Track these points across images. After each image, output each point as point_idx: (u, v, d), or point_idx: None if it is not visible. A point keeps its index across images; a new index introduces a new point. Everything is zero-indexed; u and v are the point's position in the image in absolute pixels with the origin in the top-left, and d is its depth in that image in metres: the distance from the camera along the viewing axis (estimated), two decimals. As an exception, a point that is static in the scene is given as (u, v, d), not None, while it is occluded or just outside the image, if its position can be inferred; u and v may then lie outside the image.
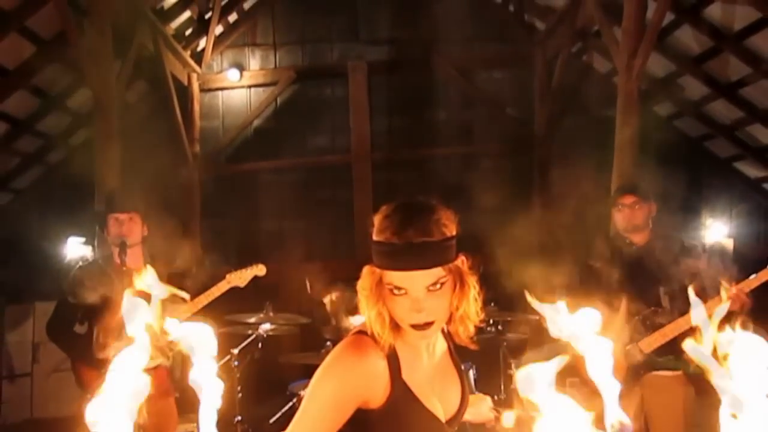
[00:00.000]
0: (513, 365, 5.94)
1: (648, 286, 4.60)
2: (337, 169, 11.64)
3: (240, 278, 4.86)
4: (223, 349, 5.97)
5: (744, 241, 10.94)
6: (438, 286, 2.02)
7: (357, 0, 11.90)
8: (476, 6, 12.19)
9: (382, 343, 2.10)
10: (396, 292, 2.03)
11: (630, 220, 4.81)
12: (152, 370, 4.42)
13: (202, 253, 11.74)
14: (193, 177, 11.49)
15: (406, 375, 2.15)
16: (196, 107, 12.04)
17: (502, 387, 6.13)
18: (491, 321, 5.97)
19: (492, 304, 6.03)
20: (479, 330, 6.03)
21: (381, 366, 2.12)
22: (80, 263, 4.83)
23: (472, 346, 2.29)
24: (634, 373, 4.60)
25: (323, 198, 11.48)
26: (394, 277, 2.02)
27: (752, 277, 4.25)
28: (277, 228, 11.60)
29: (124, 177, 7.77)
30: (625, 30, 7.56)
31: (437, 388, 2.26)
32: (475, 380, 5.97)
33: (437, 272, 2.01)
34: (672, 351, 4.47)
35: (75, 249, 10.60)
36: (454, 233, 2.07)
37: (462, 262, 2.09)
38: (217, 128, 12.37)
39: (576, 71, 11.06)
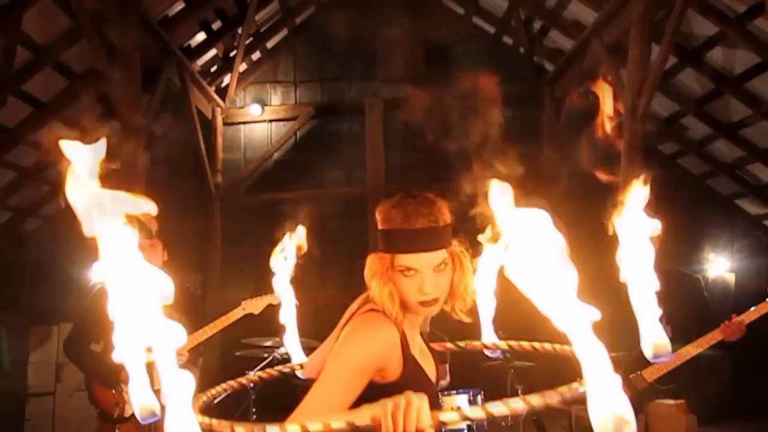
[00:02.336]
0: (520, 391, 5.91)
1: (650, 316, 4.57)
2: (353, 200, 11.66)
3: (254, 306, 4.86)
4: (239, 372, 5.95)
5: (745, 276, 10.91)
6: (443, 266, 2.21)
7: (374, 41, 11.95)
8: (488, 47, 12.26)
9: (393, 319, 2.23)
10: (407, 273, 2.20)
11: (633, 252, 4.79)
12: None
13: (220, 280, 11.81)
14: (215, 206, 11.55)
15: (412, 349, 2.29)
16: (219, 140, 12.13)
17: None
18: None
19: (500, 332, 5.99)
20: (487, 358, 6.00)
21: (396, 338, 2.23)
22: (101, 284, 4.83)
23: (467, 319, 2.44)
24: (637, 401, 4.57)
25: (339, 228, 11.49)
26: (407, 259, 2.19)
27: (752, 309, 4.24)
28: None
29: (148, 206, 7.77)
30: (630, 72, 7.59)
31: (425, 360, 2.40)
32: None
33: (442, 254, 2.21)
34: (674, 380, 4.45)
35: (99, 273, 10.58)
36: (450, 220, 2.26)
37: (457, 245, 2.30)
38: (238, 160, 12.43)
39: (583, 111, 11.08)
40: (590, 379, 1.45)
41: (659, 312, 1.57)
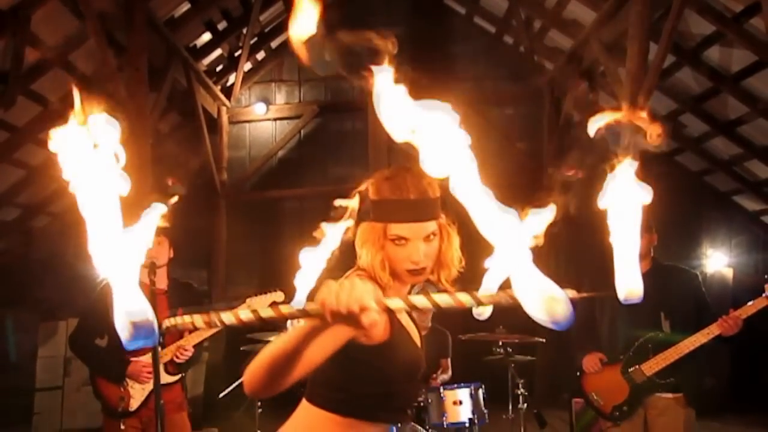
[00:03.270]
0: (520, 385, 5.91)
1: (649, 311, 4.56)
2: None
3: (259, 303, 4.82)
4: (243, 365, 5.96)
5: (743, 271, 10.92)
6: (432, 237, 2.25)
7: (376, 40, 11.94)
8: (489, 47, 12.27)
9: (381, 284, 2.25)
10: (398, 242, 2.23)
11: (632, 248, 4.77)
12: (168, 386, 4.44)
13: (226, 276, 11.83)
14: (220, 203, 11.56)
15: (398, 315, 2.31)
16: (225, 138, 12.15)
17: (511, 406, 6.09)
18: (500, 343, 5.94)
19: (501, 327, 6.00)
20: (489, 352, 6.01)
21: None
22: (107, 280, 4.81)
23: (451, 289, 2.33)
24: (636, 395, 4.56)
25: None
26: (399, 228, 2.23)
27: (749, 304, 4.23)
28: (298, 253, 11.55)
29: (154, 201, 7.81)
30: (629, 71, 7.58)
31: (412, 332, 2.40)
32: (484, 399, 5.94)
33: (432, 225, 2.24)
34: (673, 374, 4.44)
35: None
36: (439, 194, 2.28)
37: (445, 218, 2.31)
38: (243, 158, 12.45)
39: (582, 108, 11.08)
40: (512, 268, 1.46)
41: (636, 257, 1.58)
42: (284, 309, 1.56)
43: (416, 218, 2.22)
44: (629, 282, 1.62)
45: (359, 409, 2.24)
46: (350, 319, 1.58)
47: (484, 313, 2.47)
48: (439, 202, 2.27)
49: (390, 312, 2.19)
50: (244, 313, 1.54)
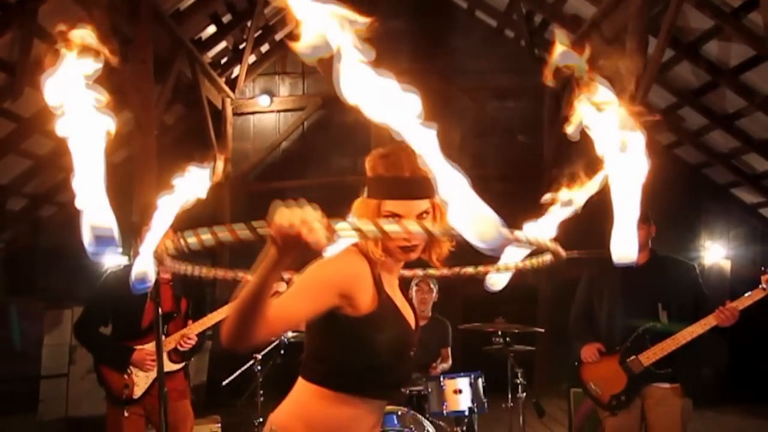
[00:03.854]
0: (520, 375, 5.91)
1: (647, 302, 4.57)
2: (359, 188, 11.63)
3: None
4: (247, 356, 5.98)
5: (741, 263, 10.93)
6: (425, 215, 2.26)
7: (379, 33, 11.95)
8: (490, 40, 12.26)
9: (372, 258, 2.28)
10: (392, 219, 2.22)
11: (630, 240, 4.77)
12: (171, 375, 4.45)
13: (230, 266, 11.84)
14: (224, 194, 11.57)
15: (387, 288, 2.32)
16: (229, 129, 12.16)
17: (510, 396, 6.09)
18: (499, 333, 5.94)
19: (500, 317, 6.01)
20: (489, 342, 6.02)
21: (366, 269, 2.28)
22: (112, 269, 4.81)
23: (439, 266, 2.44)
24: (634, 385, 4.57)
25: (345, 215, 11.46)
26: (393, 205, 2.24)
27: (746, 295, 4.23)
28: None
29: (159, 191, 7.84)
30: (628, 65, 7.57)
31: (404, 308, 2.40)
32: (484, 388, 5.95)
33: (425, 203, 2.25)
34: (670, 364, 4.45)
35: (113, 257, 10.67)
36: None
37: (438, 198, 2.23)
38: (247, 149, 12.46)
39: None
40: (447, 196, 1.51)
41: (634, 222, 1.60)
42: (237, 228, 1.65)
43: (410, 196, 2.23)
44: (624, 245, 1.63)
45: (348, 383, 2.26)
46: (296, 240, 1.63)
47: (497, 284, 2.47)
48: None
49: (378, 284, 2.22)
50: (220, 231, 1.69)
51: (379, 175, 2.30)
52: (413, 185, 2.22)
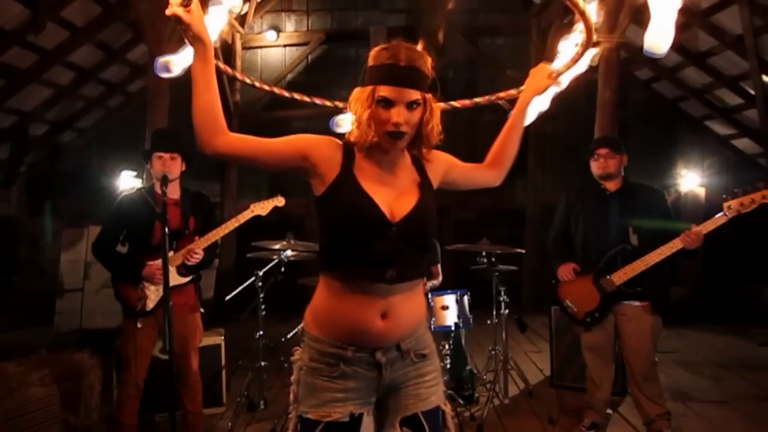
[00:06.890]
0: (503, 293, 5.96)
1: (618, 226, 4.61)
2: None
3: (262, 208, 4.85)
4: (250, 271, 6.03)
5: (714, 190, 10.99)
6: (415, 105, 2.24)
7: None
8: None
9: (363, 139, 2.29)
10: (384, 105, 2.23)
11: (603, 168, 4.78)
12: (181, 288, 4.49)
13: (237, 188, 11.90)
14: (233, 122, 11.57)
15: (356, 170, 2.32)
16: (238, 62, 12.11)
17: (494, 312, 6.16)
18: (484, 253, 5.99)
19: (484, 239, 6.04)
20: (474, 262, 6.06)
21: (336, 145, 2.35)
22: (126, 191, 4.83)
23: (428, 156, 2.49)
24: (607, 303, 4.62)
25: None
26: (386, 90, 2.22)
27: (708, 221, 4.25)
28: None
29: (171, 120, 7.86)
30: (607, 4, 7.54)
31: (389, 195, 2.34)
32: (469, 305, 6.02)
33: (417, 94, 2.23)
34: (640, 283, 4.50)
35: (127, 181, 10.73)
36: (430, 72, 2.29)
37: (431, 96, 2.32)
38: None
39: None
40: None
41: (673, 14, 1.56)
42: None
43: (402, 83, 2.21)
44: (659, 34, 1.58)
45: (331, 263, 2.29)
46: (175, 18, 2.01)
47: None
48: (428, 79, 2.28)
49: (346, 162, 2.31)
50: None
51: (377, 64, 2.28)
52: (406, 73, 2.21)
